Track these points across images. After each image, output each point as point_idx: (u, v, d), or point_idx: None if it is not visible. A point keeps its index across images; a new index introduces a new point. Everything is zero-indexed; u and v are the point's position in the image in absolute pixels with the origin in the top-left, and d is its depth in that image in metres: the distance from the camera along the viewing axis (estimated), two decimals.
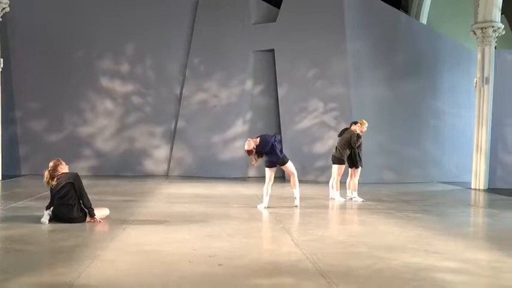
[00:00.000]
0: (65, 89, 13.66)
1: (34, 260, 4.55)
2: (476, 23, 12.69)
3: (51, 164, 6.46)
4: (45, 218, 6.22)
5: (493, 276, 4.42)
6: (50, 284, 3.79)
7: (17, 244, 5.12)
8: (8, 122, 13.16)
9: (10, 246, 5.05)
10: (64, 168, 6.50)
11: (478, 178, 12.59)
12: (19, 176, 12.85)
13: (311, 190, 11.03)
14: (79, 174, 6.57)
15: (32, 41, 13.49)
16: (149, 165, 14.27)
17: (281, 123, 14.17)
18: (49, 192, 6.48)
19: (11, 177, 12.29)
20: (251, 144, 7.86)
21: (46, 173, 6.40)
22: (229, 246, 5.20)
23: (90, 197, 6.46)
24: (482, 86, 12.55)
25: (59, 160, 6.54)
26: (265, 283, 3.94)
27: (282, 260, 4.68)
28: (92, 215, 6.34)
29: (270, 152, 7.96)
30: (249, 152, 7.90)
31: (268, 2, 14.62)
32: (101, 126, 14.04)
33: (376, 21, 13.90)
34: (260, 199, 8.56)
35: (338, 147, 9.50)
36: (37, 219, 6.28)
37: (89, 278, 3.95)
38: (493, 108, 12.64)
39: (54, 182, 6.33)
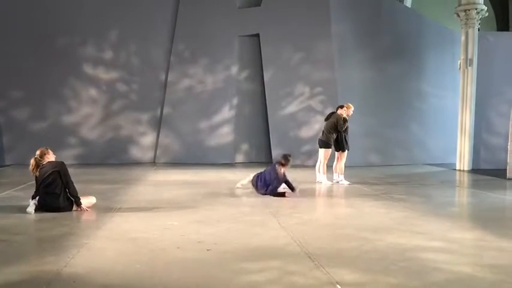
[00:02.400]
0: (47, 77, 13.43)
1: (21, 250, 4.52)
2: (460, 5, 12.75)
3: (38, 152, 6.39)
4: (31, 208, 6.17)
5: (477, 254, 4.51)
6: (37, 272, 3.77)
7: (3, 234, 5.07)
8: None
9: None
10: (51, 158, 6.43)
11: (462, 159, 12.78)
12: (3, 166, 12.69)
13: (298, 174, 11.07)
14: (65, 162, 6.50)
15: (13, 28, 13.20)
16: (136, 152, 14.18)
17: (268, 108, 14.17)
18: (34, 181, 6.42)
19: None
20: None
21: (32, 161, 6.33)
22: (217, 232, 5.22)
23: (76, 185, 6.40)
24: (466, 67, 12.66)
25: (47, 149, 6.46)
26: (254, 267, 3.97)
27: (269, 244, 4.71)
28: (79, 204, 6.30)
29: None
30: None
31: None
32: (85, 114, 13.87)
33: (360, 4, 13.90)
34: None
35: (325, 131, 9.54)
36: (23, 209, 6.22)
37: (76, 266, 3.94)
38: (476, 89, 12.78)
39: (37, 173, 6.27)
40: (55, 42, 13.48)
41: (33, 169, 6.30)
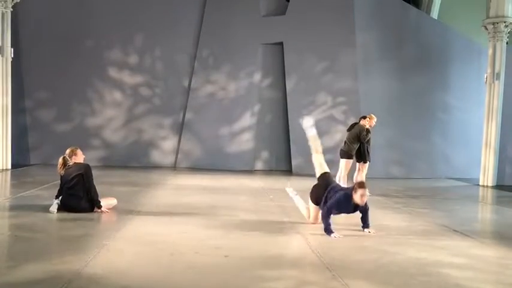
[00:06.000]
0: (73, 79, 13.69)
1: (42, 248, 4.60)
2: (488, 18, 12.55)
3: (67, 150, 6.49)
4: (54, 207, 6.27)
5: (499, 272, 4.40)
6: (57, 271, 3.83)
7: (26, 232, 5.17)
8: (18, 111, 13.23)
9: (19, 234, 5.11)
10: (78, 158, 6.50)
11: (487, 174, 12.49)
12: (28, 165, 12.95)
13: None
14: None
15: (41, 31, 13.52)
16: (157, 156, 14.31)
17: (289, 117, 14.13)
18: (59, 181, 6.51)
19: (20, 166, 12.39)
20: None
21: (60, 160, 6.43)
22: (235, 238, 5.22)
23: (98, 187, 6.49)
24: (493, 81, 12.43)
25: (76, 148, 6.55)
26: (271, 275, 3.95)
27: (287, 253, 4.69)
28: (99, 207, 6.36)
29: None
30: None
31: None
32: (109, 117, 14.08)
33: (386, 15, 13.81)
34: (265, 191, 8.57)
35: (347, 141, 9.48)
36: (46, 208, 6.34)
37: (96, 266, 3.99)
38: (502, 104, 12.54)
39: (62, 172, 6.38)
40: (81, 45, 13.74)
41: (60, 167, 6.40)
